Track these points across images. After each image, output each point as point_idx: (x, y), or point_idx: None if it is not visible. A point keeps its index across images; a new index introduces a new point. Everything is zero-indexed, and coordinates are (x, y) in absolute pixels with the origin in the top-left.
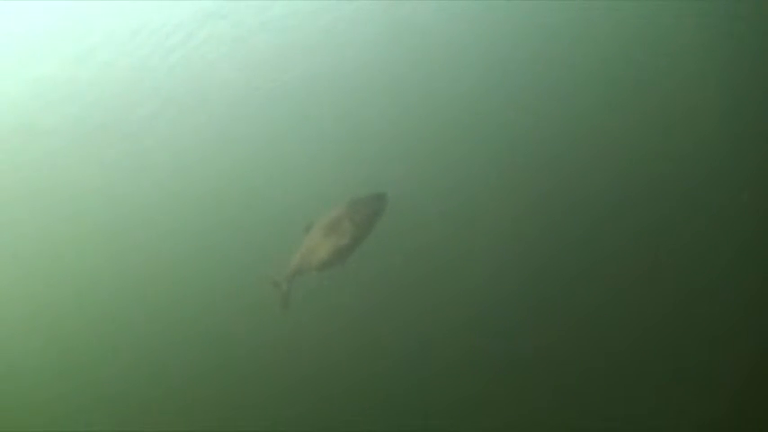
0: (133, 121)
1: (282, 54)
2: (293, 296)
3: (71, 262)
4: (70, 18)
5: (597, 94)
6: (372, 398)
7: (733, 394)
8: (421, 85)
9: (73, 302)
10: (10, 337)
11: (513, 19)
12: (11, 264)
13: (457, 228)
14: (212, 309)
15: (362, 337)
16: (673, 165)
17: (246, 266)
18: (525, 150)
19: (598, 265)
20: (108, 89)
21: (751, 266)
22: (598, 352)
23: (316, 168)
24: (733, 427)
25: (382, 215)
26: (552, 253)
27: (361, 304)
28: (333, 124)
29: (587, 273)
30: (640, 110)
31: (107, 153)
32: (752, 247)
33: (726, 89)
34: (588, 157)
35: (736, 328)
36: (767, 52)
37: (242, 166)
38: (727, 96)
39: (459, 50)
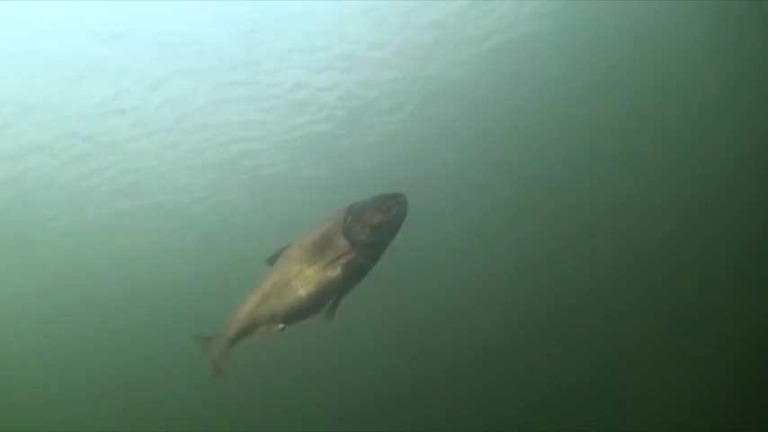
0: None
1: None
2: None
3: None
4: None
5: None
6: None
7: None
8: None
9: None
10: None
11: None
12: None
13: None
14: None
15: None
16: (675, 169)
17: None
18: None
19: (610, 269)
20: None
21: (752, 268)
22: (611, 356)
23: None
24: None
25: (398, 227)
26: (568, 257)
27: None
28: None
29: (599, 278)
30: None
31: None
32: (753, 248)
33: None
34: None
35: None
36: None
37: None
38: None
39: None
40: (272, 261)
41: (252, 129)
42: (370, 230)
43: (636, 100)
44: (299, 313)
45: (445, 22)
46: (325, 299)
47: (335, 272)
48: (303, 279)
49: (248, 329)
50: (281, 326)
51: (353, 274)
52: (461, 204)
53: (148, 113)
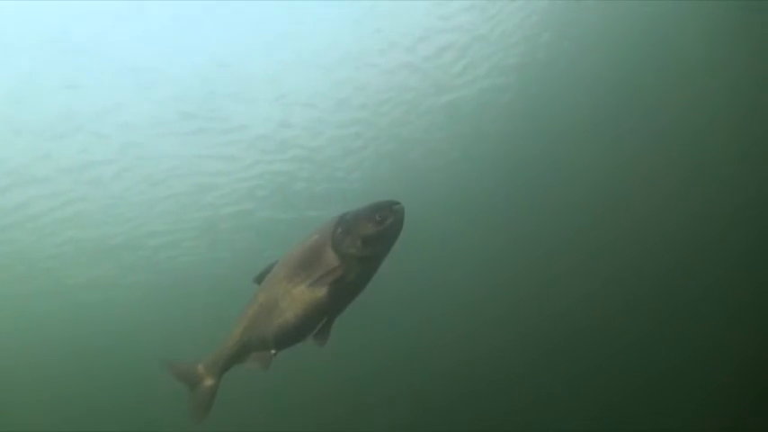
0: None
1: None
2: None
3: None
4: None
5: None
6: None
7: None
8: None
9: None
10: None
11: None
12: None
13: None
14: None
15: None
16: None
17: None
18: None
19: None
20: None
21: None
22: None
23: None
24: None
25: (393, 239)
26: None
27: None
28: None
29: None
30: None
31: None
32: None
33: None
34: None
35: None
36: None
37: None
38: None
39: None
40: (259, 279)
41: (210, 165)
42: (362, 243)
43: (627, 101)
44: (286, 337)
45: (408, 69)
46: (316, 320)
47: (324, 290)
48: (289, 299)
49: (239, 356)
50: (273, 352)
51: (345, 293)
52: (415, 254)
53: (101, 141)
